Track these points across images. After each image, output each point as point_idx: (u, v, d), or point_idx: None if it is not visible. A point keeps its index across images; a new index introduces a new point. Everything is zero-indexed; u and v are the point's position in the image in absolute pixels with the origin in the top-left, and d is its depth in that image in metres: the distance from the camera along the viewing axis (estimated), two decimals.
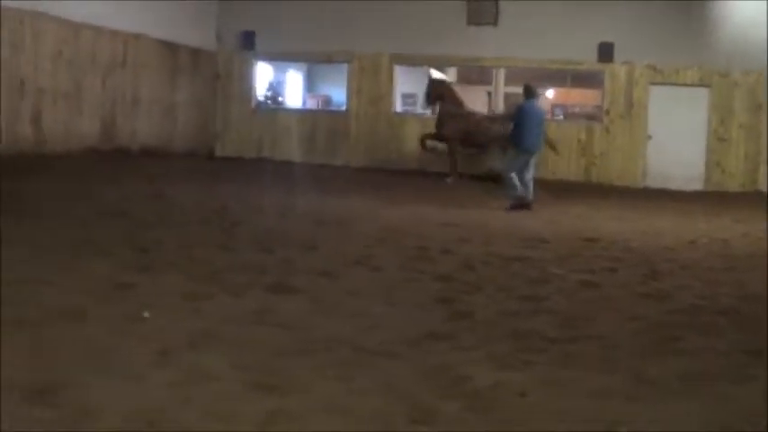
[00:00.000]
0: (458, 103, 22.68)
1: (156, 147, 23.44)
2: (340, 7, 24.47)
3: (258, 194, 15.56)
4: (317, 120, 25.61)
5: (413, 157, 23.94)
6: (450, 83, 23.97)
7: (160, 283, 7.21)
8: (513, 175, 15.74)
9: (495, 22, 23.42)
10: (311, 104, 31.05)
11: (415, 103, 29.52)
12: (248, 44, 26.13)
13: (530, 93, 16.51)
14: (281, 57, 27.12)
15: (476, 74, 32.59)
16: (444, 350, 5.70)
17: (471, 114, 22.75)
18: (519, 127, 15.92)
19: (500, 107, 24.81)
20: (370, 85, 24.68)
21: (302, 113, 27.62)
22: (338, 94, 28.81)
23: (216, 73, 26.50)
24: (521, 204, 15.68)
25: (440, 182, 20.60)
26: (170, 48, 24.33)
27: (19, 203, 11.92)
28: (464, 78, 37.03)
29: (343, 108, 25.94)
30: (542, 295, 7.76)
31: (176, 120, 24.93)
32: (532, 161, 16.09)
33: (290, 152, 25.34)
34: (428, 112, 23.46)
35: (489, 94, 27.82)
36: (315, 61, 28.58)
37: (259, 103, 27.41)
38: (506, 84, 25.25)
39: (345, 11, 24.49)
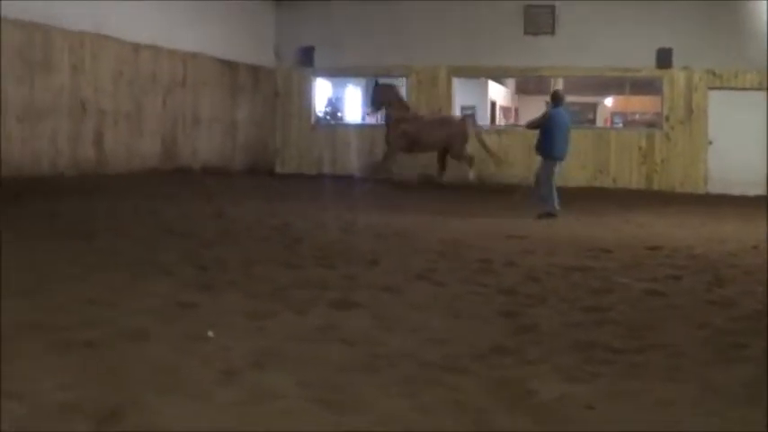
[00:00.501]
0: (404, 107, 23.02)
1: (217, 165, 23.63)
2: (397, 22, 24.58)
3: (319, 210, 15.60)
4: (376, 134, 25.62)
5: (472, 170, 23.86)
6: (397, 87, 23.90)
7: (222, 301, 7.22)
8: (550, 183, 15.70)
9: (552, 32, 23.34)
10: (370, 119, 31.09)
11: (473, 115, 29.47)
12: (307, 60, 26.30)
13: (558, 99, 16.37)
14: (339, 72, 27.27)
15: (534, 84, 32.53)
16: (510, 364, 5.64)
17: (417, 119, 22.92)
18: (548, 134, 15.79)
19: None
20: (429, 97, 24.70)
21: (362, 128, 27.66)
22: None
23: (275, 90, 26.65)
24: (550, 213, 15.58)
25: (497, 194, 20.41)
26: (229, 66, 24.56)
27: (81, 224, 12.09)
28: (522, 89, 36.99)
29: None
30: (607, 305, 7.67)
31: (236, 137, 25.13)
32: (557, 169, 15.98)
33: (349, 167, 25.43)
34: (375, 118, 23.96)
35: (548, 104, 27.65)
36: (373, 76, 28.60)
37: (318, 119, 27.53)
38: (566, 93, 25.03)
39: (402, 25, 24.58)
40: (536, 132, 16.14)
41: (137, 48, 20.52)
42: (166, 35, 21.62)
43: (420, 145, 22.41)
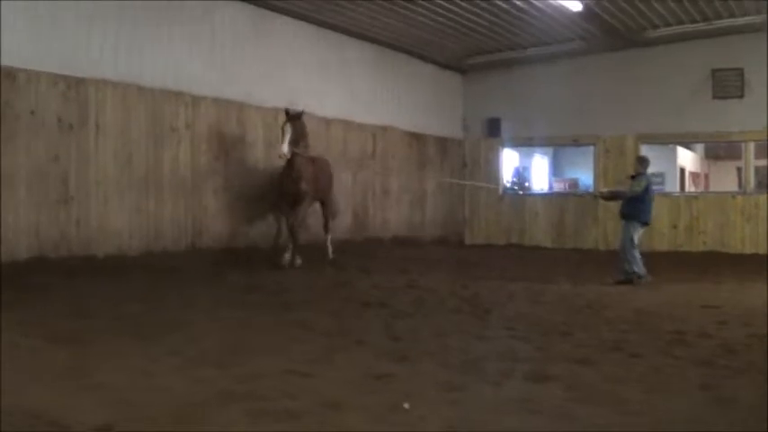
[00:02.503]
0: (308, 145, 17.85)
1: (406, 236, 23.91)
2: (583, 90, 24.52)
3: (508, 281, 15.60)
4: (564, 203, 25.50)
5: (663, 238, 23.48)
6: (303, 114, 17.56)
7: (417, 372, 7.28)
8: (634, 249, 15.57)
9: (741, 95, 22.77)
10: (558, 188, 30.97)
11: (662, 183, 29.04)
12: (494, 131, 26.51)
13: (647, 164, 16.20)
14: (526, 142, 27.30)
15: (723, 149, 31.79)
16: None
17: (319, 161, 18.73)
18: (643, 200, 15.66)
19: (751, 183, 23.85)
20: (616, 165, 24.41)
21: (550, 198, 27.57)
22: (585, 176, 28.70)
23: (463, 161, 26.91)
24: (630, 280, 15.44)
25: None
26: (417, 138, 24.95)
27: (276, 296, 12.45)
28: (711, 154, 36.15)
29: (591, 191, 25.76)
30: None
31: (425, 208, 25.39)
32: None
33: (538, 237, 25.38)
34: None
35: (739, 169, 26.96)
36: (560, 145, 28.58)
37: (506, 189, 27.59)
38: (756, 157, 24.36)
39: (588, 94, 24.52)
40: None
41: (328, 122, 21.12)
42: (356, 109, 22.22)
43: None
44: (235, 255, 17.13)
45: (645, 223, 15.89)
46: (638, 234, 15.72)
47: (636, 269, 15.52)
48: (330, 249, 18.66)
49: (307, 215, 18.29)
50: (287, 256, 17.24)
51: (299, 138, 17.03)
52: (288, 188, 17.30)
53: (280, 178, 17.62)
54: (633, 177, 16.11)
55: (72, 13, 15.18)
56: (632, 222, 15.66)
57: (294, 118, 16.98)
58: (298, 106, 17.17)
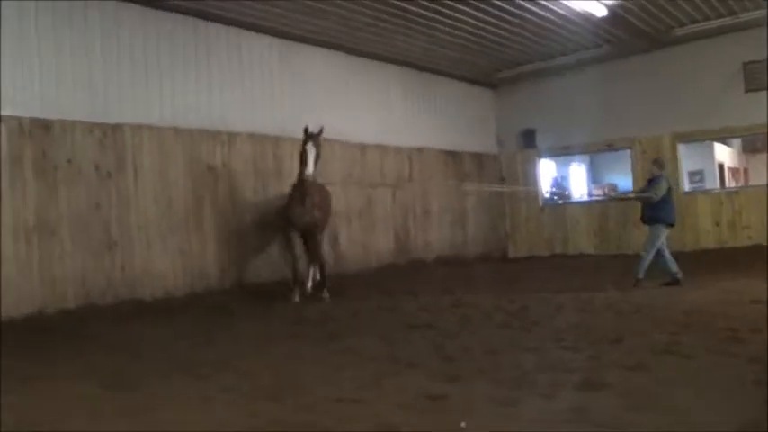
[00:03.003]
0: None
1: (449, 255, 23.92)
2: (615, 95, 24.44)
3: (555, 292, 15.55)
4: (605, 210, 25.40)
5: (708, 236, 23.34)
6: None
7: (470, 390, 7.28)
8: (664, 251, 15.64)
9: None
10: (597, 195, 30.83)
11: (702, 180, 28.87)
12: (529, 143, 26.56)
13: (663, 166, 16.31)
14: (562, 151, 27.24)
15: (760, 141, 31.51)
16: None
17: (323, 187, 17.64)
18: (666, 201, 15.65)
19: None
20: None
21: (590, 205, 27.47)
22: (623, 181, 28.57)
23: (500, 175, 26.92)
24: (676, 280, 15.49)
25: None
26: (453, 156, 25.00)
27: (323, 325, 12.49)
28: (749, 147, 35.84)
29: (614, 194, 25.67)
30: None
31: (466, 226, 25.40)
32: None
33: (582, 245, 25.32)
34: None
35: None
36: (596, 151, 28.47)
37: (546, 200, 27.54)
38: None
39: (621, 97, 24.44)
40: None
41: (363, 147, 21.23)
42: (391, 133, 22.35)
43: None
44: (281, 285, 17.09)
45: (670, 225, 15.84)
46: (664, 236, 15.68)
47: (673, 268, 15.60)
48: (320, 281, 16.94)
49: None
50: (305, 288, 16.72)
51: (317, 159, 15.84)
52: (302, 217, 16.18)
53: (290, 203, 16.39)
54: (650, 181, 16.06)
55: (102, 62, 15.42)
56: (657, 225, 15.60)
57: (315, 137, 15.86)
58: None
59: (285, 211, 16.64)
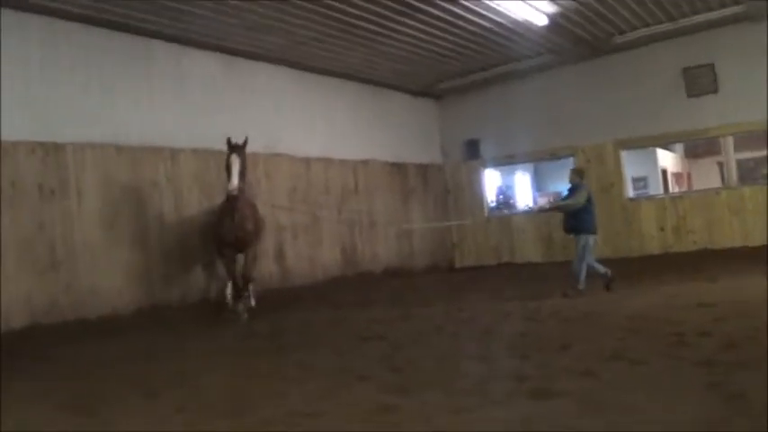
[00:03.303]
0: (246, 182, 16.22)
1: (397, 266, 23.95)
2: (557, 104, 24.67)
3: (503, 301, 15.62)
4: (550, 218, 25.55)
5: (653, 242, 23.58)
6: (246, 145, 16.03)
7: (422, 401, 7.25)
8: (592, 259, 15.74)
9: (715, 90, 22.79)
10: (543, 203, 30.99)
11: (646, 186, 29.17)
12: (473, 153, 26.66)
13: (583, 174, 16.45)
14: (506, 161, 27.41)
15: (702, 146, 31.89)
16: None
17: (251, 201, 17.05)
18: (588, 210, 15.71)
19: (734, 177, 23.83)
20: (599, 174, 24.48)
21: (535, 214, 27.60)
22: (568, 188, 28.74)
23: (445, 186, 27.06)
24: (612, 279, 15.68)
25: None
26: (398, 168, 25.06)
27: (273, 338, 12.45)
28: (691, 152, 36.27)
29: (534, 206, 25.87)
30: None
31: (413, 237, 25.43)
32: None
33: (528, 254, 25.46)
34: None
35: (720, 164, 27.01)
36: (540, 160, 28.63)
37: (491, 210, 27.66)
38: (737, 151, 24.36)
39: (563, 106, 24.67)
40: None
41: (308, 161, 21.22)
42: (336, 146, 22.36)
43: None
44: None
45: (593, 233, 15.90)
46: (590, 244, 15.75)
47: (601, 270, 15.72)
48: (252, 299, 16.53)
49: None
50: (240, 305, 15.77)
51: (243, 172, 15.39)
52: (232, 231, 15.60)
53: (220, 219, 15.88)
54: (570, 190, 16.14)
55: (42, 80, 15.28)
56: (582, 235, 15.69)
57: (239, 149, 15.38)
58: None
59: (215, 227, 16.19)
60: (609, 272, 15.70)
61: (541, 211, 17.63)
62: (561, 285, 16.05)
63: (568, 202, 15.82)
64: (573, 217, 15.71)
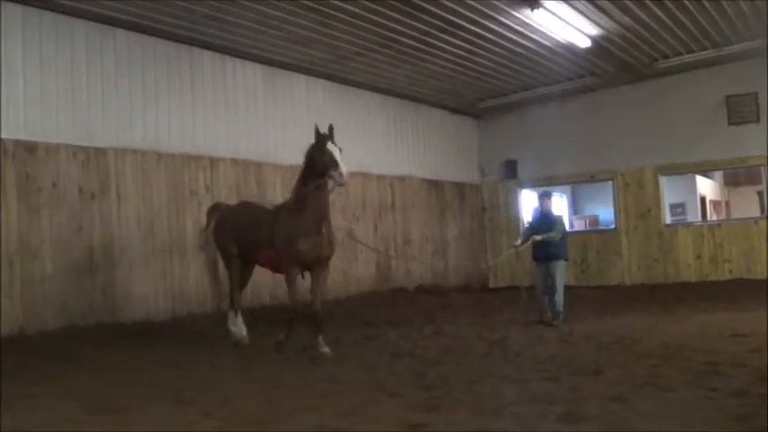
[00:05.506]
0: None
1: (431, 284, 23.88)
2: (598, 126, 24.60)
3: (536, 321, 15.57)
4: (586, 240, 25.46)
5: (689, 269, 23.43)
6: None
7: (451, 421, 7.25)
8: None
9: (756, 119, 22.65)
10: (579, 226, 30.87)
11: (683, 213, 28.97)
12: (511, 173, 26.60)
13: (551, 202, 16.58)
14: (544, 182, 27.27)
15: (742, 175, 31.62)
16: None
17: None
18: (564, 238, 15.87)
19: None
20: (637, 199, 24.40)
21: (571, 235, 27.48)
22: (605, 212, 28.63)
23: (482, 205, 27.00)
24: (551, 322, 15.47)
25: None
26: (435, 185, 25.03)
27: (304, 352, 12.42)
28: (731, 180, 35.98)
29: (612, 226, 25.68)
30: None
31: (447, 255, 25.40)
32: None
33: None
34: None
35: (759, 193, 26.77)
36: (578, 182, 28.52)
37: (526, 231, 27.52)
38: None
39: (603, 129, 24.60)
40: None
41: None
42: (374, 161, 22.35)
43: None
44: (264, 313, 17.01)
45: (567, 259, 16.08)
46: (564, 271, 15.90)
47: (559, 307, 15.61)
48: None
49: None
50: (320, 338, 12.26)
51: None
52: (319, 247, 12.28)
53: (298, 228, 12.24)
54: (543, 216, 16.18)
55: (87, 85, 15.43)
56: (559, 262, 15.70)
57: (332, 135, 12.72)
58: None
59: (286, 237, 12.38)
60: (562, 315, 15.59)
61: (518, 248, 16.84)
62: (595, 308, 15.95)
63: (552, 234, 15.68)
64: (548, 243, 15.69)
